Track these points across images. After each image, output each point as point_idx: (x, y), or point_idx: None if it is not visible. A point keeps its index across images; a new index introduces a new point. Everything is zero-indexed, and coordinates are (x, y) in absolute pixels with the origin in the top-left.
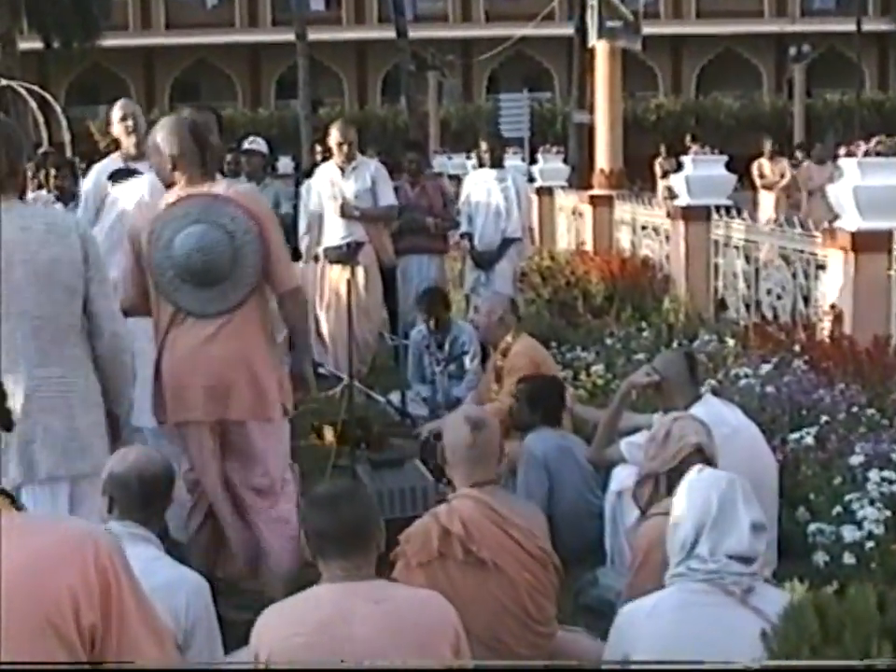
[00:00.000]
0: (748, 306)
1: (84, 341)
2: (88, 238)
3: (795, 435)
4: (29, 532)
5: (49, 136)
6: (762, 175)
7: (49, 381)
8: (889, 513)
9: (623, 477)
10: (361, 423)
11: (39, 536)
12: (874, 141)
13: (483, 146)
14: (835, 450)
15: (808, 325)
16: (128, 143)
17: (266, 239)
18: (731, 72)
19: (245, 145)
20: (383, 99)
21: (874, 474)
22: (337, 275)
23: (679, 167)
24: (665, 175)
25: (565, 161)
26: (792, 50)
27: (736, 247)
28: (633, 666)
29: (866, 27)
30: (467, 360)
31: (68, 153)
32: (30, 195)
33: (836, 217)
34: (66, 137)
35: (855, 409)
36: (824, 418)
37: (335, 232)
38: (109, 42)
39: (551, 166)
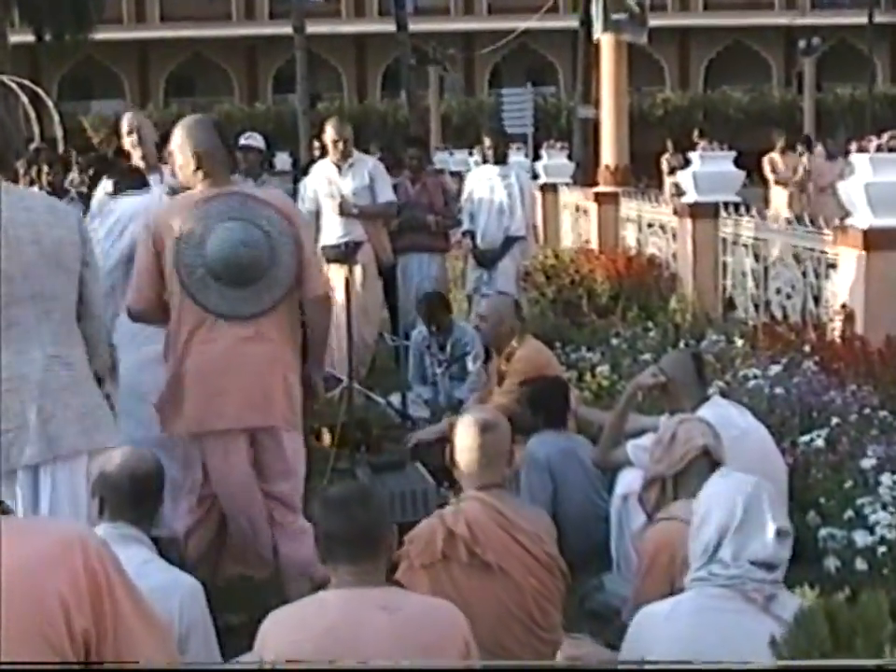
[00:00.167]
0: (756, 306)
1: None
2: (82, 221)
3: (805, 437)
4: (14, 536)
5: (42, 131)
6: (774, 171)
7: (61, 360)
8: None
9: (628, 480)
10: (361, 425)
11: (26, 540)
12: (886, 136)
13: (486, 141)
14: (847, 453)
15: (819, 325)
16: (136, 156)
17: (300, 242)
18: (739, 65)
19: (242, 140)
20: (383, 94)
21: (886, 478)
22: (335, 275)
23: (687, 163)
24: (671, 171)
25: (569, 157)
26: (802, 43)
27: (745, 245)
28: (646, 667)
29: (878, 19)
30: (469, 362)
31: (60, 148)
32: None
33: (847, 214)
34: (59, 133)
35: (867, 411)
36: (835, 420)
37: (333, 231)
38: (103, 35)
39: (555, 162)
